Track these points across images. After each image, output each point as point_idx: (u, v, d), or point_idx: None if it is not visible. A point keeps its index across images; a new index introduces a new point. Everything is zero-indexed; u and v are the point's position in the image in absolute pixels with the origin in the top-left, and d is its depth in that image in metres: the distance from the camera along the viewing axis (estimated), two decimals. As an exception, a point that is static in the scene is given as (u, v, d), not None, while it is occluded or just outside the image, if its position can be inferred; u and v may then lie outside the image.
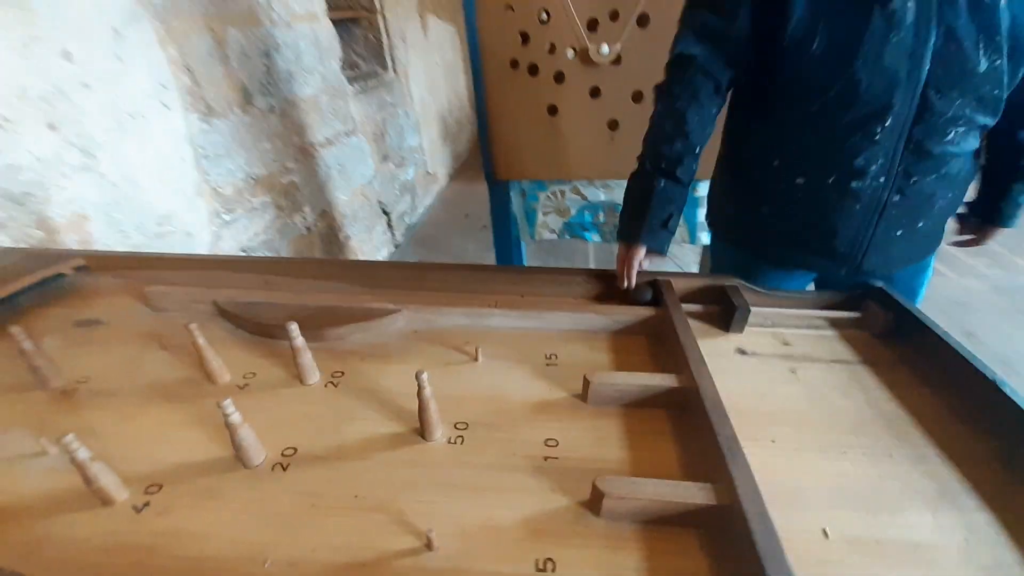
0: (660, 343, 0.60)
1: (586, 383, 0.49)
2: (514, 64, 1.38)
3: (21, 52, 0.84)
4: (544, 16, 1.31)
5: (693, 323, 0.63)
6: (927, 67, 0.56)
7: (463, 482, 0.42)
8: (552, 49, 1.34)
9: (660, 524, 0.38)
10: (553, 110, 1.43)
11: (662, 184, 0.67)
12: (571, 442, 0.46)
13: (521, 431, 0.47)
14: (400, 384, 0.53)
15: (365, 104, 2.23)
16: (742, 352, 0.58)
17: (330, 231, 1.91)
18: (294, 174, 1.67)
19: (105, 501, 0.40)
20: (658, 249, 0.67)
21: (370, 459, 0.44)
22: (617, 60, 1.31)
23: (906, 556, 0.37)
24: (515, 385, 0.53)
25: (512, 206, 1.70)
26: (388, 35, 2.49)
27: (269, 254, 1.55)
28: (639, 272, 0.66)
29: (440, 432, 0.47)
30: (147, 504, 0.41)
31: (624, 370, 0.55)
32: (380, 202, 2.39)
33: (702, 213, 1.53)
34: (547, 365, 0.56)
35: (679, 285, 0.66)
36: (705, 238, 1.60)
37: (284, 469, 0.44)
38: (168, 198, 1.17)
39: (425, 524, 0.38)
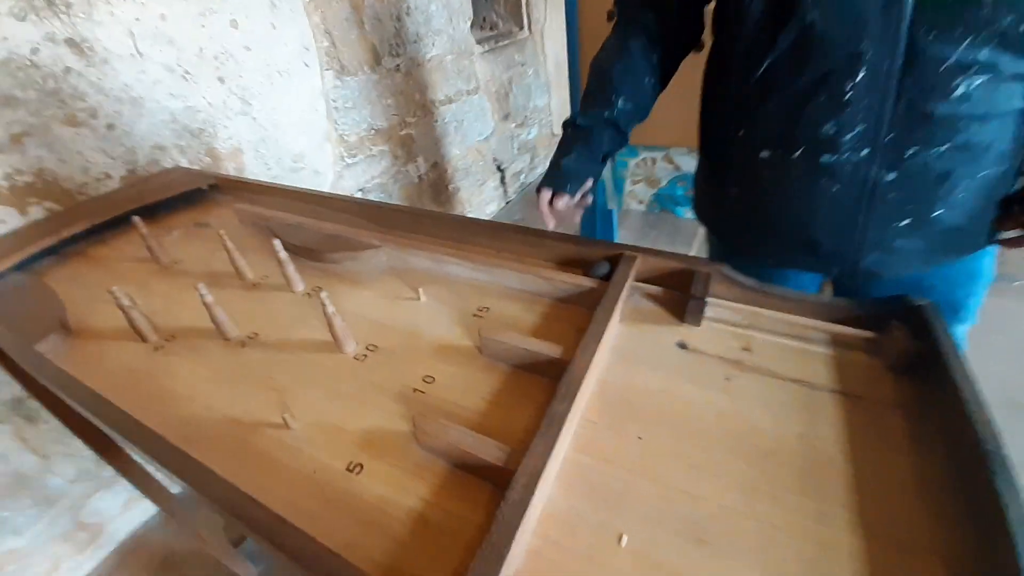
0: (597, 318, 0.56)
1: (480, 336, 0.51)
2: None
3: (200, 21, 1.14)
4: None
5: (651, 307, 0.58)
6: None
7: (344, 389, 0.50)
8: None
9: (466, 470, 0.40)
10: (650, 67, 1.29)
11: (566, 132, 0.69)
12: (445, 384, 0.49)
13: (413, 364, 0.52)
14: (356, 306, 0.63)
15: (492, 63, 2.32)
16: (683, 346, 0.51)
17: (440, 181, 2.11)
18: (412, 128, 1.88)
19: (142, 338, 0.59)
20: (551, 187, 0.67)
21: (295, 355, 0.55)
22: (730, 5, 1.11)
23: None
24: (435, 326, 0.57)
25: (601, 172, 1.63)
26: (528, -8, 2.49)
27: (382, 196, 1.81)
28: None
29: (352, 347, 0.55)
30: (161, 347, 0.59)
31: (544, 336, 0.55)
32: (495, 159, 2.51)
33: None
34: (474, 316, 0.59)
35: (649, 264, 0.60)
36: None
37: (243, 346, 0.58)
38: (303, 141, 1.46)
39: (298, 410, 0.48)
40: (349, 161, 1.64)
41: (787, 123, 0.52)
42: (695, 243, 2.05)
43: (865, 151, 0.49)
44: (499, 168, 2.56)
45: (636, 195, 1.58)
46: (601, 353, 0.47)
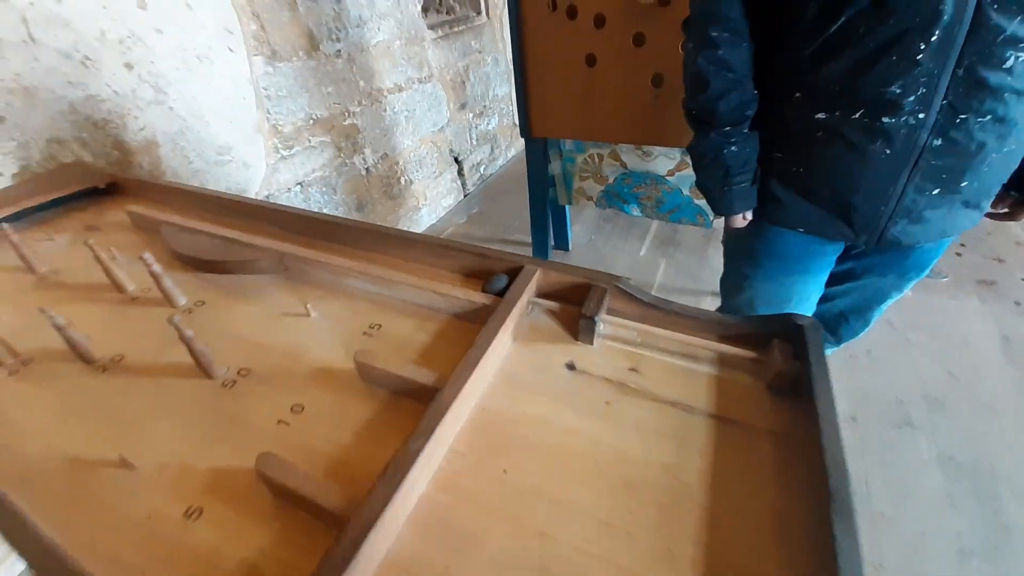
0: (489, 337, 0.54)
1: (355, 361, 0.48)
2: (553, 5, 1.24)
3: (101, 3, 1.04)
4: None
5: (548, 324, 0.56)
6: None
7: (201, 422, 0.46)
8: (594, -13, 1.17)
9: (312, 516, 0.37)
10: (591, 60, 1.27)
11: (733, 149, 0.66)
12: (314, 413, 0.46)
13: (286, 391, 0.49)
14: (238, 323, 0.58)
15: (446, 50, 2.24)
16: (571, 367, 0.50)
17: (391, 174, 2.04)
18: (356, 117, 1.80)
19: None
20: (751, 207, 0.72)
21: (158, 381, 0.51)
22: (666, 0, 1.09)
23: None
24: (319, 347, 0.54)
25: (550, 166, 1.60)
26: (484, -25, 2.41)
27: (324, 189, 1.73)
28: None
29: (221, 372, 0.51)
30: (16, 372, 0.53)
31: (433, 356, 0.52)
32: (452, 150, 2.44)
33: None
34: (364, 334, 0.55)
35: (549, 278, 0.57)
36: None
37: (104, 371, 0.53)
38: (229, 132, 1.37)
39: (147, 446, 0.44)
40: (285, 153, 1.55)
41: (852, 83, 0.54)
42: (648, 238, 2.06)
43: (921, 114, 0.52)
44: (456, 160, 2.50)
45: (585, 191, 1.56)
46: (478, 378, 0.45)
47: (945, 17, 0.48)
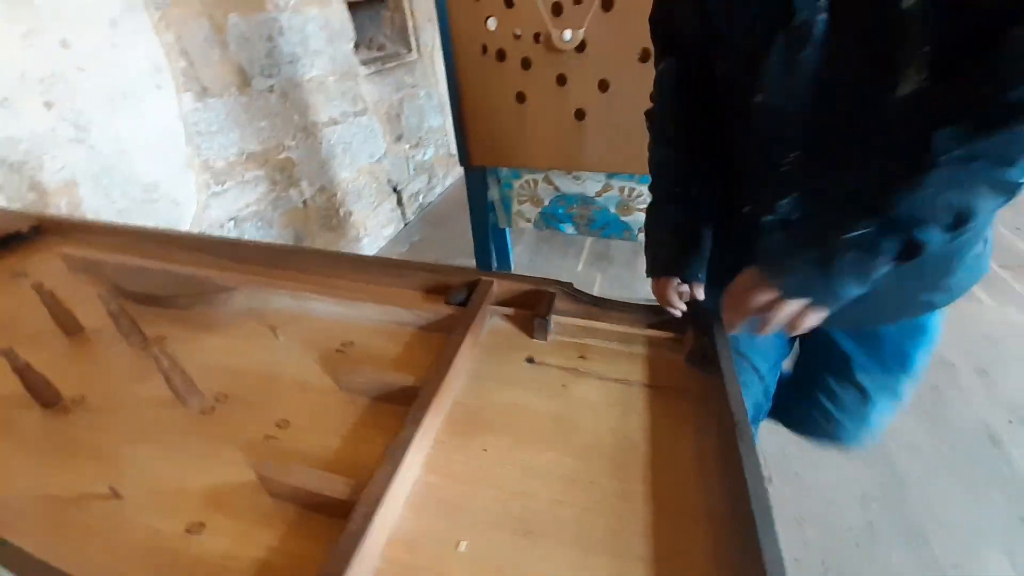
0: (456, 343, 0.60)
1: (336, 372, 0.52)
2: (484, 50, 1.37)
3: (22, 42, 1.00)
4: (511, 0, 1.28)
5: (506, 327, 0.63)
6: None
7: (186, 447, 0.48)
8: (518, 35, 1.32)
9: (314, 510, 0.41)
10: (521, 97, 1.41)
11: (671, 210, 0.64)
12: (300, 426, 0.50)
13: (268, 409, 0.52)
14: (207, 353, 0.60)
15: (380, 85, 2.31)
16: (531, 360, 0.58)
17: (329, 206, 2.04)
18: (292, 151, 1.80)
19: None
20: (688, 277, 0.60)
21: (131, 415, 0.51)
22: (582, 47, 1.25)
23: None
24: (293, 367, 0.57)
25: (489, 192, 1.71)
26: (413, 16, 2.53)
27: (259, 224, 1.70)
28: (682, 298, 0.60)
29: (198, 400, 0.52)
30: (-44, 424, 0.51)
31: (407, 365, 0.58)
32: (390, 180, 2.49)
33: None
34: (336, 352, 0.60)
35: (504, 287, 0.66)
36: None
37: (67, 412, 0.52)
38: (156, 169, 1.32)
39: (132, 476, 0.45)
40: (217, 189, 1.52)
41: (744, 184, 0.58)
42: (583, 255, 2.23)
43: (796, 215, 0.54)
44: (395, 190, 2.54)
45: (523, 214, 1.68)
46: (452, 377, 0.51)
47: (801, 137, 0.49)
